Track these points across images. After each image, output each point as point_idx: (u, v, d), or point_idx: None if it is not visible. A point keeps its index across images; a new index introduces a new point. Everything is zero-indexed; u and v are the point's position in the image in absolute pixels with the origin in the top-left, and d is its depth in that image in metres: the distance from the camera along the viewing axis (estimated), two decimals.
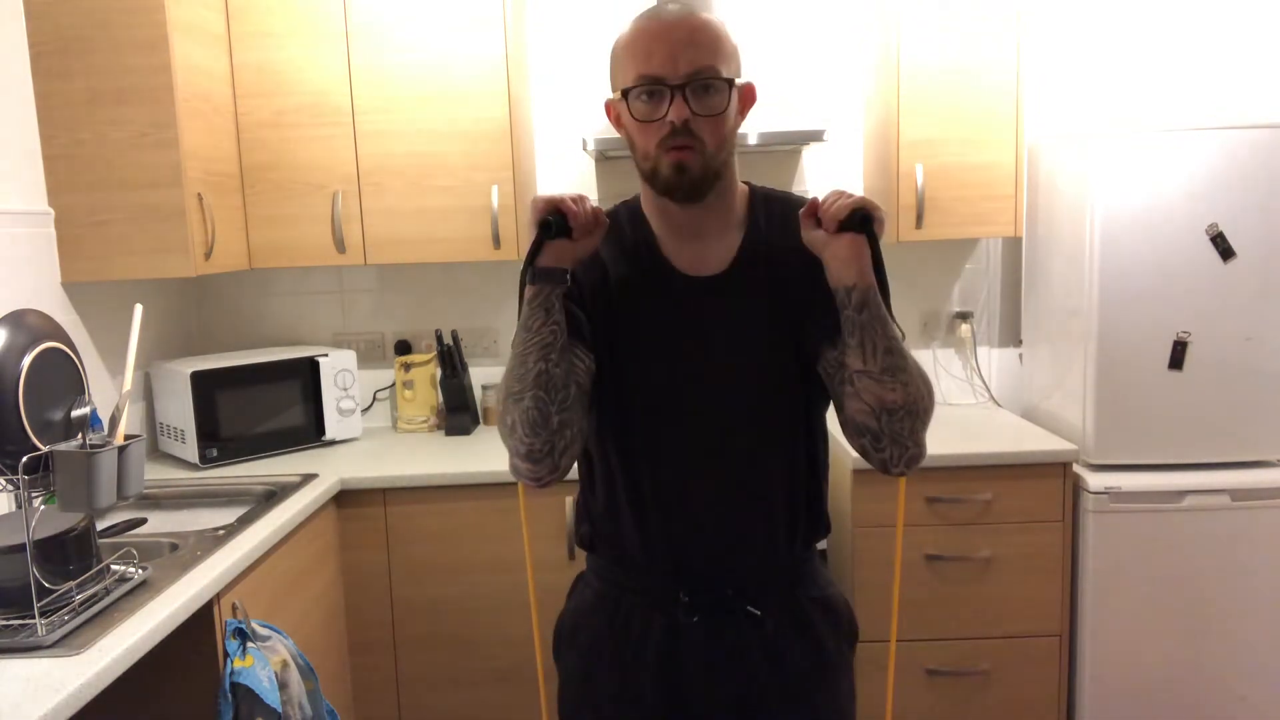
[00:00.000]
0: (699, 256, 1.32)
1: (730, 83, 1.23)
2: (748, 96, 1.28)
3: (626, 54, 1.23)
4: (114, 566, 1.66)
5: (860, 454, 1.27)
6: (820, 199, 1.23)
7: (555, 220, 1.19)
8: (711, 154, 1.23)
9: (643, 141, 1.24)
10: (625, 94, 1.22)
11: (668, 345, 1.31)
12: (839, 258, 1.20)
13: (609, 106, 1.30)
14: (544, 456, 1.22)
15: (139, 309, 1.63)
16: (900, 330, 1.24)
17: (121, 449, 1.53)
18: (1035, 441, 2.54)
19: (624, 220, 1.35)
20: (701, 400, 1.30)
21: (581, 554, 1.46)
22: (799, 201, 1.31)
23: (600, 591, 1.41)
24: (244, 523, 2.03)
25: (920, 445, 1.24)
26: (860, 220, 1.17)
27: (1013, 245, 3.01)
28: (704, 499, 1.32)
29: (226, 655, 1.75)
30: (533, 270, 1.21)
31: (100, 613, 1.54)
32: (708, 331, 1.30)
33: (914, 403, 1.21)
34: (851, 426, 1.25)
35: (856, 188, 2.97)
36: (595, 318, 1.31)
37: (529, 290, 1.22)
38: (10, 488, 1.50)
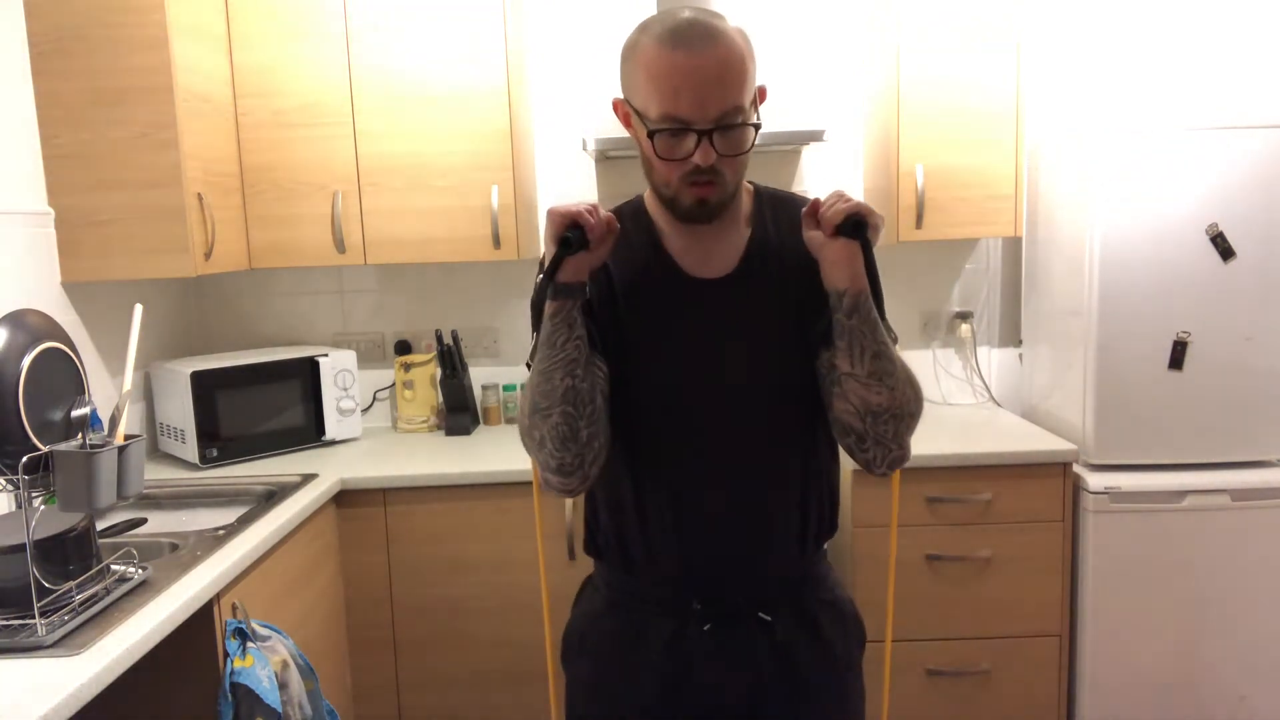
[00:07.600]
0: (706, 258, 1.30)
1: (756, 121, 1.21)
2: (761, 99, 1.25)
3: (649, 83, 1.16)
4: (114, 566, 1.66)
5: (846, 452, 1.29)
6: (821, 200, 1.23)
7: (575, 235, 1.17)
8: (732, 186, 1.23)
9: (663, 170, 1.21)
10: (650, 133, 1.18)
11: (676, 348, 1.29)
12: (832, 261, 1.21)
13: (618, 105, 1.26)
14: (575, 469, 1.23)
15: (139, 309, 1.63)
16: (893, 334, 1.25)
17: (121, 449, 1.53)
18: (1035, 441, 2.53)
19: (628, 221, 1.32)
20: (712, 403, 1.29)
21: (582, 555, 1.45)
22: (803, 201, 1.30)
23: (609, 599, 1.39)
24: (244, 523, 2.03)
25: (904, 448, 1.26)
26: (854, 225, 1.18)
27: (1013, 245, 3.01)
28: (715, 505, 1.30)
29: (226, 655, 1.75)
30: (554, 286, 1.19)
31: (100, 613, 1.54)
32: (717, 334, 1.28)
33: (899, 407, 1.22)
34: (838, 426, 1.27)
35: (856, 188, 2.97)
36: (603, 323, 1.29)
37: (550, 306, 1.20)
38: (10, 488, 1.50)
